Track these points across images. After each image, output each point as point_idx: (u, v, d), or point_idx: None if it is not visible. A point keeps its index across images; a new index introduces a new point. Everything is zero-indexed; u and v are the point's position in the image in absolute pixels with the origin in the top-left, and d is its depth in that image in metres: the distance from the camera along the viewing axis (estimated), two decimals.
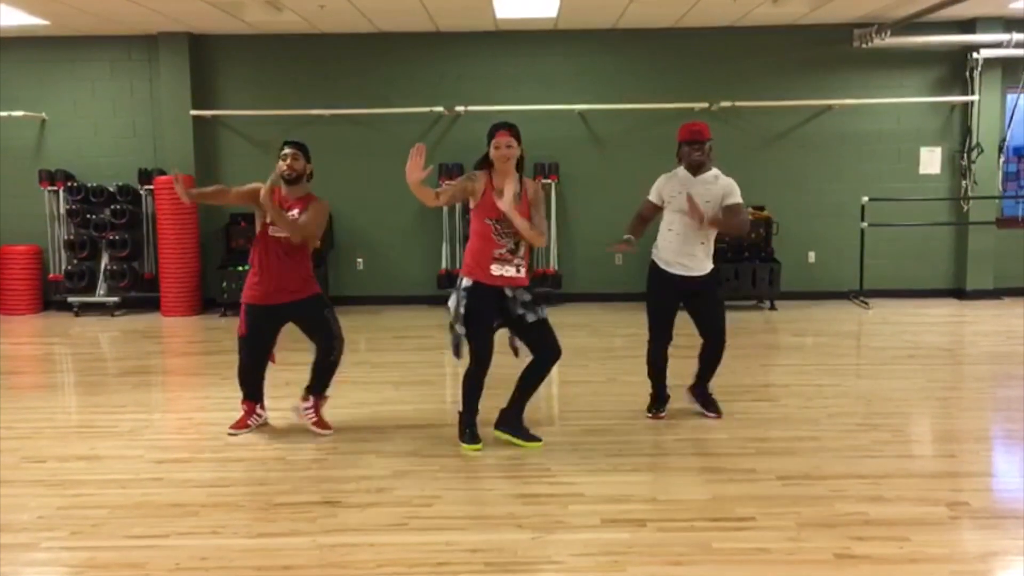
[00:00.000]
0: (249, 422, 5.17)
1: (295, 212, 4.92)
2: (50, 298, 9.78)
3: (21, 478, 4.41)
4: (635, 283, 9.70)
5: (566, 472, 4.41)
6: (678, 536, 3.59)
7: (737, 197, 5.03)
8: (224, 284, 9.32)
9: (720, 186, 5.03)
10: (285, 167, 4.93)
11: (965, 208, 9.76)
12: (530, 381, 4.76)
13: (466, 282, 4.63)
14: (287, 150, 4.96)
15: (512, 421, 4.81)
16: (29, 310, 9.70)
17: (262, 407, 5.25)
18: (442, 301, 9.59)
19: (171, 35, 9.49)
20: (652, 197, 5.17)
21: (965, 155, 9.68)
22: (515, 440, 4.78)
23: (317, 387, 5.14)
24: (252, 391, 5.18)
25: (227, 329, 8.75)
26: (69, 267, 9.57)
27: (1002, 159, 9.75)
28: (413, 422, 5.31)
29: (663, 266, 5.11)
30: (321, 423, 5.12)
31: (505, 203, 4.49)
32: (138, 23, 8.98)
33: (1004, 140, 9.72)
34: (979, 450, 4.83)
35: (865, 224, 9.53)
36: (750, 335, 7.97)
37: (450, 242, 9.73)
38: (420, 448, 4.78)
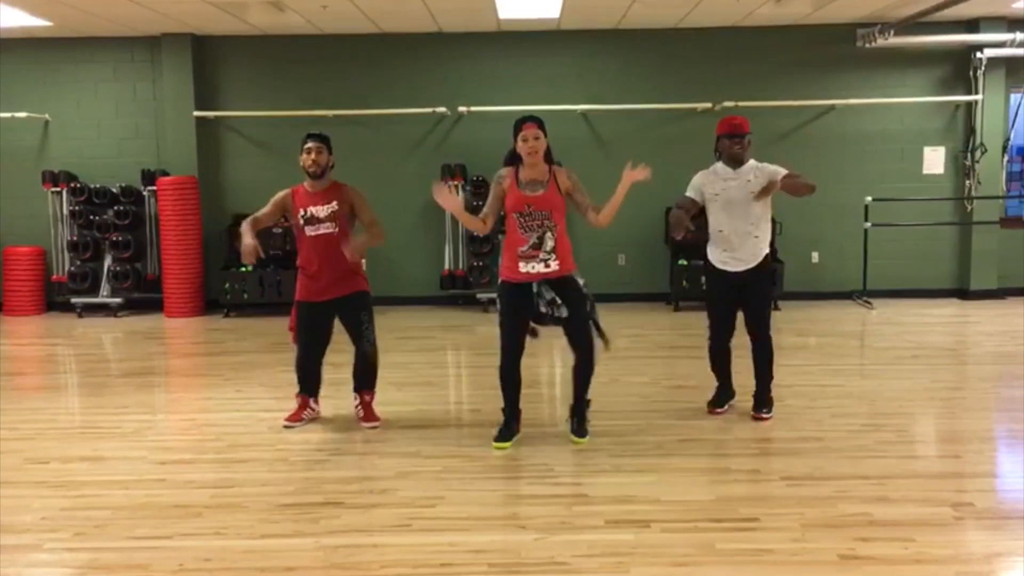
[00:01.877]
0: (303, 415, 5.22)
1: (332, 205, 4.94)
2: (53, 299, 9.78)
3: (24, 479, 4.41)
4: (638, 284, 9.75)
5: (570, 473, 4.40)
6: (682, 537, 3.58)
7: (783, 171, 4.96)
8: (227, 285, 9.33)
9: (764, 173, 4.97)
10: (310, 161, 4.93)
11: (969, 208, 9.74)
12: (574, 380, 4.83)
13: (500, 280, 4.73)
14: (310, 143, 4.95)
15: (573, 421, 4.86)
16: (32, 311, 9.70)
17: (316, 401, 5.29)
18: (445, 302, 9.72)
19: (174, 36, 9.49)
20: (692, 194, 5.09)
21: (969, 155, 9.65)
22: (572, 438, 4.81)
23: (359, 384, 5.22)
24: (306, 385, 5.23)
25: (230, 330, 8.76)
26: (72, 268, 9.57)
27: (1006, 159, 9.73)
28: (416, 423, 5.31)
29: (716, 263, 5.11)
30: (367, 417, 5.19)
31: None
32: (141, 24, 8.99)
33: (1008, 140, 9.70)
34: (984, 450, 4.82)
35: (869, 224, 9.51)
36: None
37: (453, 243, 9.72)
38: (423, 449, 4.77)
